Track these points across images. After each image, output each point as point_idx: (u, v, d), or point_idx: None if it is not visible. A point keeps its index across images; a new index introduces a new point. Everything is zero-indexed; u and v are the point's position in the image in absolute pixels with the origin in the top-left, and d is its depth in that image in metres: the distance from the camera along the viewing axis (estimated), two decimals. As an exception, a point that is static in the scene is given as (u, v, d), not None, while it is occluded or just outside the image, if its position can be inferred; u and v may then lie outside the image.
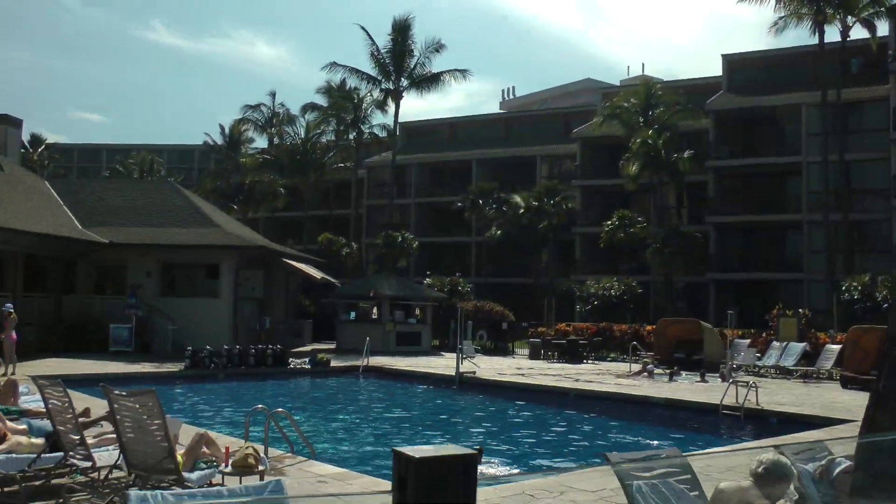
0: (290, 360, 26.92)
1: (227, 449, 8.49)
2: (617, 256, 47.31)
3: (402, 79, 52.75)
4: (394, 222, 55.73)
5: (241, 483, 7.79)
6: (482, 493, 5.98)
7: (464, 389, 23.20)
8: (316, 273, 36.43)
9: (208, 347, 25.31)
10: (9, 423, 8.91)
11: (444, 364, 27.38)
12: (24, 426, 9.03)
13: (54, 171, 66.86)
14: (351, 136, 59.52)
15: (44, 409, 9.37)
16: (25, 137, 65.97)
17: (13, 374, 20.15)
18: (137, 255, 31.78)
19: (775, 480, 4.95)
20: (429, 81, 52.87)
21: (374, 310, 36.12)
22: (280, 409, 10.86)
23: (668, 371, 24.73)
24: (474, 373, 24.36)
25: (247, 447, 8.54)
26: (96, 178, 76.13)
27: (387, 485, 4.97)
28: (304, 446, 10.90)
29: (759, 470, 5.08)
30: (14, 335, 22.05)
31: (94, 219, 33.48)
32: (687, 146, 45.43)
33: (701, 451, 12.45)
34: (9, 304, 23.26)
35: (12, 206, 29.69)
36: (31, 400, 11.33)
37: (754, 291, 44.00)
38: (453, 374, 23.64)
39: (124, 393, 8.06)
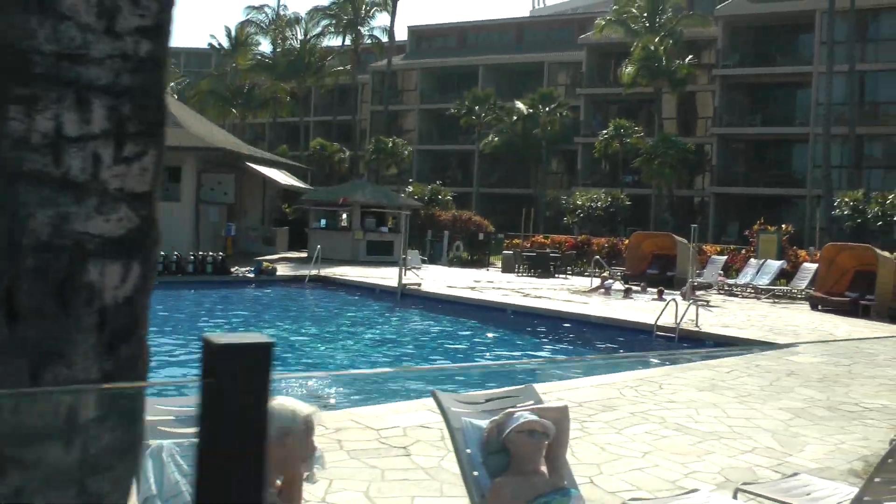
0: (237, 268, 25.59)
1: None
2: (619, 169, 45.34)
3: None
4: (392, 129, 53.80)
5: None
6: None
7: (405, 302, 21.82)
8: (282, 179, 34.80)
9: (161, 253, 24.04)
10: None
11: (413, 277, 26.08)
12: None
13: None
14: (349, 39, 57.18)
15: None
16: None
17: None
18: (95, 155, 30.45)
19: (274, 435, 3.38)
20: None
21: (344, 217, 34.65)
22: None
23: (627, 287, 23.10)
24: (419, 285, 22.93)
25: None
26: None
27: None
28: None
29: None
30: None
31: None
32: (695, 55, 42.94)
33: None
34: None
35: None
36: None
37: (757, 206, 41.92)
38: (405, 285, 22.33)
39: None
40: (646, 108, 46.46)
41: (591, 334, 16.78)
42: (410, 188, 39.31)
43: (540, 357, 14.72)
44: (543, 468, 3.95)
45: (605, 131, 41.49)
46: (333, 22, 56.21)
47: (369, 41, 58.16)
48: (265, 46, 67.24)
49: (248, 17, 65.77)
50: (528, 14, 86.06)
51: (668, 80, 41.89)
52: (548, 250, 30.81)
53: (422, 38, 68.50)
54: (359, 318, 19.77)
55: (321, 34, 57.33)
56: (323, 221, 34.77)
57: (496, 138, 48.58)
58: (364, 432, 7.19)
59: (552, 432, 3.99)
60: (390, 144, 46.44)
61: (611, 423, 8.03)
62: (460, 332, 17.85)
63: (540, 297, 21.23)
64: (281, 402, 3.38)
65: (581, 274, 30.10)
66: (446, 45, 66.53)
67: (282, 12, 65.77)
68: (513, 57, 59.74)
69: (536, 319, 18.33)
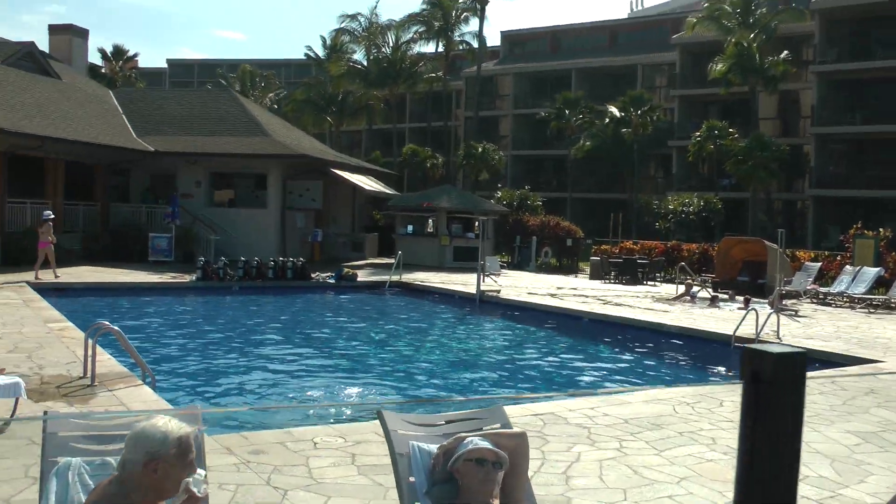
0: (318, 273, 25.73)
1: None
2: (716, 172, 43.98)
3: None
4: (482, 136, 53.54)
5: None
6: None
7: (483, 309, 21.57)
8: (368, 184, 34.87)
9: (242, 258, 24.50)
10: None
11: (492, 283, 25.81)
12: None
13: (131, 82, 66.40)
14: (441, 45, 57.08)
15: None
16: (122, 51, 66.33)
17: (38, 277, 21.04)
18: (186, 164, 31.16)
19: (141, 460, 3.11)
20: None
21: (430, 223, 34.56)
22: (114, 327, 9.47)
23: (713, 295, 22.25)
24: (498, 292, 22.61)
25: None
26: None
27: None
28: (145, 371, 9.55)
29: None
30: (44, 242, 21.69)
31: (149, 127, 33.01)
32: (792, 52, 41.30)
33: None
34: (47, 212, 23.08)
35: (60, 113, 29.40)
36: None
37: (858, 210, 40.05)
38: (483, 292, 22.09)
39: None
40: (743, 109, 44.95)
41: (665, 345, 16.15)
42: (499, 193, 38.98)
43: (598, 367, 14.19)
44: (495, 502, 3.58)
45: (697, 133, 40.23)
46: (424, 28, 56.23)
47: (461, 47, 58.04)
48: (359, 55, 67.95)
49: (342, 25, 66.62)
50: (625, 16, 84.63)
51: (762, 79, 40.32)
52: (636, 256, 30.04)
53: (515, 43, 68.17)
54: (433, 325, 19.57)
55: (412, 41, 57.39)
56: (409, 227, 34.80)
57: (588, 142, 47.78)
58: (382, 446, 6.93)
59: (505, 462, 3.63)
60: (480, 150, 46.16)
61: (653, 443, 7.58)
62: (533, 341, 17.45)
63: (620, 306, 20.67)
64: (153, 423, 3.14)
65: (671, 281, 29.25)
66: (539, 50, 66.07)
67: (374, 20, 66.41)
68: (606, 60, 58.88)
69: (610, 328, 17.81)
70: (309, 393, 11.20)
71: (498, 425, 3.98)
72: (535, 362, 14.57)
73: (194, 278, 23.16)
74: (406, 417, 4.08)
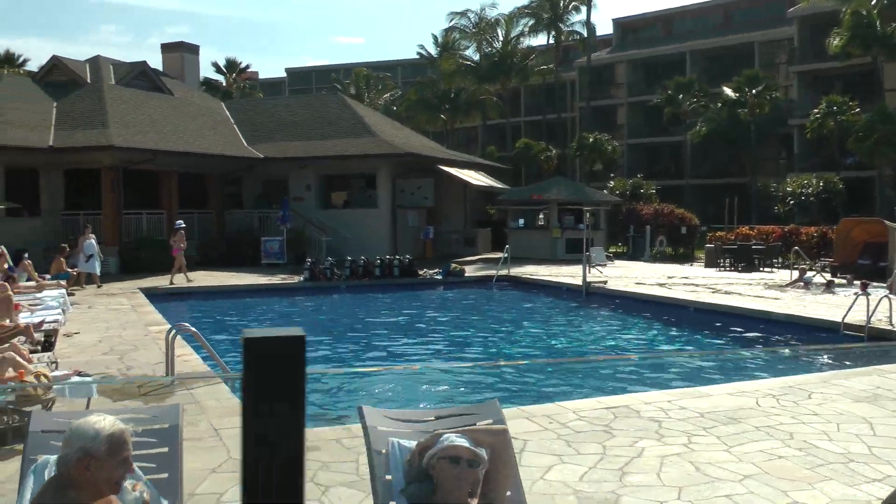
0: (426, 270, 25.86)
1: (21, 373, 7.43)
2: (839, 150, 41.94)
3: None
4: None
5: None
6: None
7: (590, 300, 21.21)
8: (477, 180, 34.72)
9: (349, 258, 24.95)
10: None
11: (598, 274, 25.43)
12: None
13: (246, 92, 68.03)
14: (551, 37, 56.48)
15: None
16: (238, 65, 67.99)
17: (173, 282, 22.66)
18: (297, 168, 31.82)
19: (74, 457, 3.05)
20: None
21: (541, 216, 34.21)
22: (192, 328, 9.69)
23: (829, 280, 21.19)
24: (605, 283, 22.19)
25: (35, 373, 7.45)
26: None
27: None
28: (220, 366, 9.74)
29: None
30: (177, 248, 22.95)
31: (259, 135, 33.91)
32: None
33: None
34: (179, 222, 24.40)
35: (172, 127, 30.55)
36: None
37: None
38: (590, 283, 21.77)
39: None
40: (868, 82, 42.66)
41: (769, 333, 15.48)
42: (612, 183, 38.30)
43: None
44: (473, 501, 3.41)
45: (816, 110, 38.38)
46: (533, 21, 55.81)
47: (572, 38, 57.33)
48: (470, 51, 67.96)
49: (452, 23, 66.79)
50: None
51: (884, 48, 38.02)
52: (751, 243, 28.97)
53: (627, 30, 66.87)
54: (536, 318, 19.32)
55: (522, 34, 57.04)
56: (521, 221, 34.59)
57: (704, 127, 46.34)
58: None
59: (483, 461, 3.46)
60: (592, 140, 45.46)
61: (725, 438, 7.21)
62: (636, 331, 17.03)
63: (730, 294, 19.94)
64: (87, 419, 3.10)
65: (788, 267, 28.06)
66: (652, 35, 64.61)
67: (484, 15, 66.29)
68: (721, 40, 57.02)
69: (717, 317, 17.21)
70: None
71: (490, 422, 3.82)
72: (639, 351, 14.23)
73: (302, 279, 23.61)
74: (389, 413, 3.95)
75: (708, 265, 29.40)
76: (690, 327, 16.84)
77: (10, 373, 7.42)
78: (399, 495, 3.52)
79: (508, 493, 3.65)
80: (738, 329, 15.98)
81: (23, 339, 9.62)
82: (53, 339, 10.99)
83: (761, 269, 27.62)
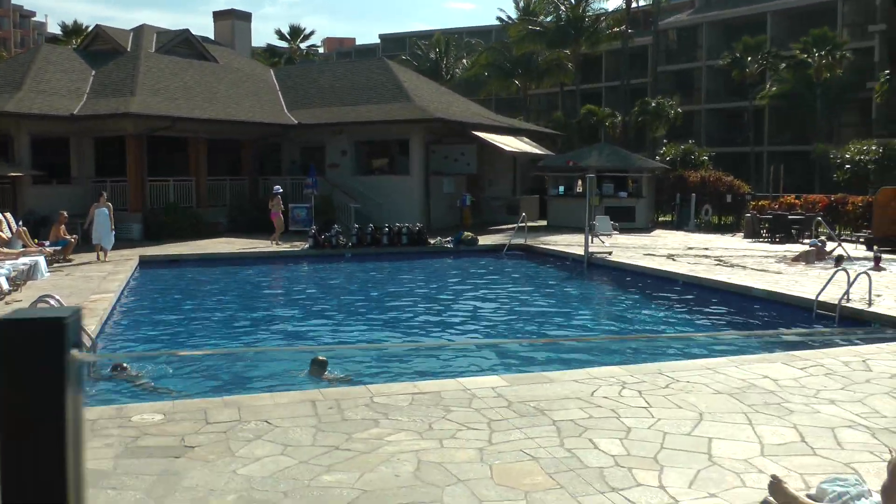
0: (438, 238, 25.30)
1: None
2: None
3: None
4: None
5: None
6: None
7: (590, 273, 20.35)
8: (513, 146, 33.65)
9: (356, 225, 24.74)
10: None
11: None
12: None
13: (308, 58, 67.68)
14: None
15: None
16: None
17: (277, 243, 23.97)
18: (334, 134, 31.58)
19: None
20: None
21: (579, 183, 33.11)
22: (52, 301, 9.47)
23: (839, 256, 19.72)
24: (609, 254, 21.26)
25: None
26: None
27: None
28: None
29: None
30: (276, 213, 24.63)
31: (301, 101, 33.83)
32: None
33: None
34: (277, 187, 25.74)
35: (206, 95, 30.72)
36: None
37: None
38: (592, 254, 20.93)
39: None
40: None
41: (743, 310, 14.50)
42: (664, 149, 36.85)
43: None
44: None
45: (886, 72, 36.00)
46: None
47: (645, 2, 55.37)
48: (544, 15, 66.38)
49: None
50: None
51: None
52: (789, 212, 27.36)
53: (710, -12, 64.23)
54: (526, 289, 18.61)
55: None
56: (560, 188, 33.62)
57: (773, 89, 44.09)
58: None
59: None
60: (653, 105, 43.82)
61: (527, 430, 6.54)
62: (613, 306, 16.26)
63: (736, 267, 18.82)
64: None
65: (832, 238, 26.42)
66: (737, -6, 61.86)
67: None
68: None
69: (700, 292, 16.30)
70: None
71: None
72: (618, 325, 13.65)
73: (306, 247, 23.39)
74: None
75: (747, 236, 27.95)
76: (669, 302, 15.89)
77: None
78: None
79: None
80: (717, 306, 15.05)
81: None
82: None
83: (800, 240, 26.07)
